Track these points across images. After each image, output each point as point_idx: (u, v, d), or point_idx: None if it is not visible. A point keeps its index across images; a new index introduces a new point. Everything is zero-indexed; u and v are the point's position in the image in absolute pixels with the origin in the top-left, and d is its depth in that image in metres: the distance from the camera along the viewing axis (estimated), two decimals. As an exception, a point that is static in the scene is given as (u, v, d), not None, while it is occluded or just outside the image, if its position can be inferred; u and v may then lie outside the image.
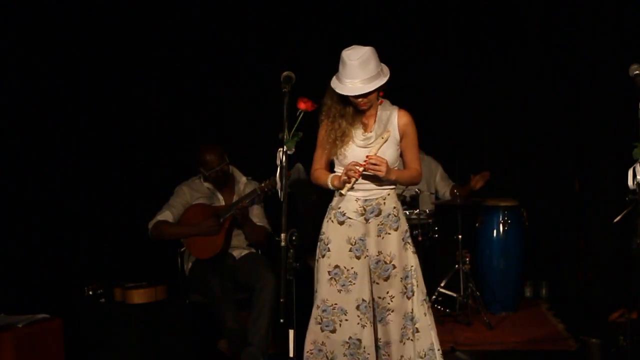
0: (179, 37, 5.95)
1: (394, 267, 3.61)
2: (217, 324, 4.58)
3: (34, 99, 5.14)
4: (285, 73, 3.36)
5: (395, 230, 3.64)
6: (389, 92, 6.62)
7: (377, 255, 3.61)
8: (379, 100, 3.65)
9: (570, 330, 5.10)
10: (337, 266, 3.60)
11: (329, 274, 3.61)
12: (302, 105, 3.46)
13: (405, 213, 5.37)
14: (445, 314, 5.46)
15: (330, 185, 3.62)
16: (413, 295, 3.64)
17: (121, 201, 5.57)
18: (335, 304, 3.58)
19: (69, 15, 5.29)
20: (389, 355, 3.63)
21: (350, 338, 3.57)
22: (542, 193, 6.19)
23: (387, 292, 3.61)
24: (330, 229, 3.65)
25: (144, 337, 4.41)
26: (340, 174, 3.57)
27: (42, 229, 5.10)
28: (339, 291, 3.58)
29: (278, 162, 3.49)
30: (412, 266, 3.66)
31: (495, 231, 5.75)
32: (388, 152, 3.58)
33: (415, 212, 5.43)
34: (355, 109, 3.59)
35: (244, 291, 4.68)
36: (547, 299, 6.18)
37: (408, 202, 5.47)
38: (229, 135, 5.93)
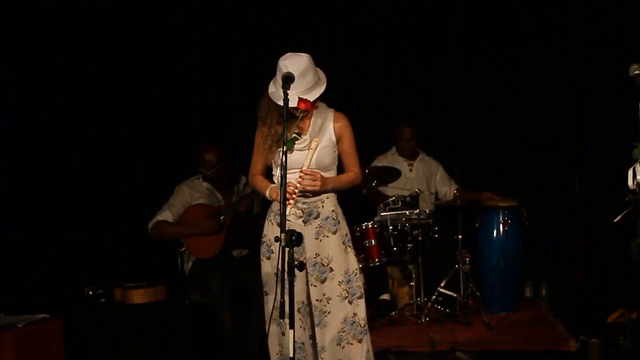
0: (179, 36, 5.95)
1: (331, 269, 3.60)
2: (217, 324, 4.58)
3: (34, 99, 5.14)
4: (285, 73, 3.36)
5: (334, 233, 3.63)
6: (389, 93, 6.65)
7: (315, 258, 3.59)
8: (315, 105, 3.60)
9: (570, 330, 5.10)
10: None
11: (276, 276, 3.55)
12: (302, 105, 3.46)
13: (405, 213, 5.41)
14: (445, 314, 5.46)
15: (267, 196, 3.62)
16: (360, 298, 3.62)
17: (121, 201, 5.57)
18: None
19: (70, 14, 5.29)
20: (323, 359, 3.58)
21: (294, 342, 3.54)
22: (542, 193, 6.19)
23: (324, 295, 3.59)
24: (271, 231, 3.64)
25: (144, 337, 4.41)
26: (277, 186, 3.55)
27: (42, 229, 5.10)
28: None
29: (278, 162, 3.49)
30: (355, 269, 3.66)
31: (495, 231, 5.75)
32: (326, 158, 3.58)
33: (415, 212, 5.43)
34: (291, 115, 3.51)
35: (244, 291, 4.68)
36: (547, 299, 6.18)
37: (408, 202, 5.48)
38: (229, 135, 5.92)
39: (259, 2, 6.15)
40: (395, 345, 4.93)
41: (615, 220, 4.26)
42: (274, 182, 3.65)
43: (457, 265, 5.44)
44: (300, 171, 3.48)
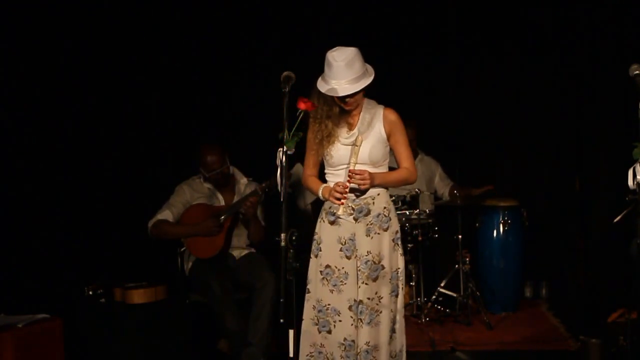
0: (180, 36, 5.95)
1: (383, 267, 3.61)
2: (217, 324, 4.58)
3: (34, 99, 5.14)
4: (285, 73, 3.36)
5: (385, 230, 3.64)
6: (390, 92, 6.64)
7: (366, 255, 3.59)
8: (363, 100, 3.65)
9: (570, 330, 5.10)
10: (328, 266, 3.60)
11: (321, 274, 3.61)
12: (302, 105, 3.46)
13: (405, 213, 5.41)
14: (445, 314, 5.46)
15: (321, 197, 3.64)
16: (397, 297, 3.66)
17: (121, 201, 5.57)
18: (329, 304, 3.57)
19: (71, 13, 5.29)
20: (375, 358, 3.57)
21: (345, 339, 3.55)
22: (542, 193, 6.19)
23: (376, 293, 3.59)
24: (322, 229, 3.66)
25: (144, 337, 4.41)
26: (330, 186, 3.58)
27: (42, 228, 5.10)
28: (331, 291, 3.58)
29: (278, 162, 3.49)
30: (398, 268, 3.68)
31: (495, 231, 5.75)
32: (374, 152, 3.60)
33: (415, 212, 5.42)
34: (341, 110, 3.59)
35: (244, 291, 4.68)
36: (547, 299, 6.18)
37: (408, 202, 5.48)
38: (229, 135, 5.93)
39: (263, 3, 6.15)
40: (395, 345, 4.93)
41: (615, 220, 4.26)
42: (326, 181, 3.68)
43: (457, 265, 5.44)
44: (349, 171, 3.49)
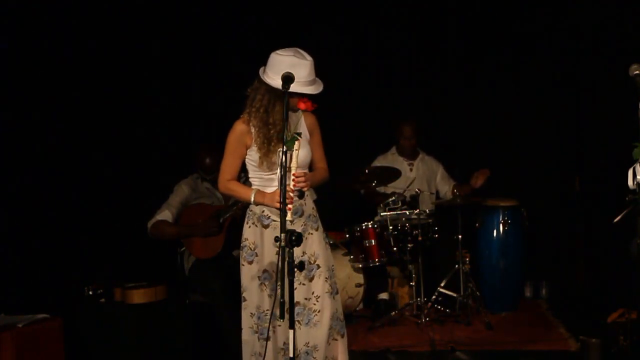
0: (180, 36, 5.96)
1: (319, 266, 3.60)
2: (217, 324, 4.58)
3: (35, 98, 5.14)
4: (285, 73, 3.35)
5: (316, 230, 3.64)
6: (390, 92, 6.64)
7: (302, 256, 3.57)
8: None
9: (570, 330, 5.10)
10: (265, 270, 3.56)
11: (259, 279, 3.56)
12: (302, 106, 3.46)
13: (405, 213, 5.41)
14: (445, 314, 5.46)
15: (253, 202, 3.55)
16: (337, 293, 3.65)
17: (121, 201, 5.57)
18: (267, 310, 3.53)
19: (71, 13, 5.29)
20: (316, 359, 3.56)
21: (284, 344, 3.53)
22: (542, 193, 6.19)
23: (313, 293, 3.58)
24: (254, 234, 3.60)
25: (144, 337, 4.41)
26: (262, 190, 3.52)
27: (42, 229, 5.10)
28: (270, 296, 3.53)
29: (278, 162, 3.49)
30: (332, 265, 3.69)
31: (495, 231, 5.75)
32: (306, 154, 3.57)
33: (415, 212, 5.42)
34: (279, 113, 3.48)
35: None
36: (547, 299, 6.17)
37: (408, 202, 5.47)
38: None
39: (263, 3, 6.15)
40: (395, 345, 4.93)
41: (615, 220, 4.26)
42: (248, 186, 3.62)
43: (457, 265, 5.43)
44: (294, 174, 3.44)
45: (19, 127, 5.04)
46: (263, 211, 3.58)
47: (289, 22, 6.19)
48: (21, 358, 3.91)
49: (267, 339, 3.52)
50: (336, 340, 3.62)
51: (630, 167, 3.44)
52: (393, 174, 5.54)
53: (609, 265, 5.71)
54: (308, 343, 3.56)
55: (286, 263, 3.11)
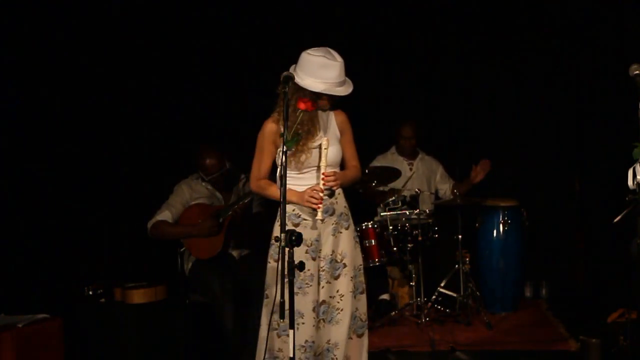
0: (180, 36, 5.96)
1: (345, 265, 3.61)
2: (217, 324, 4.58)
3: (35, 98, 5.14)
4: (285, 73, 3.36)
5: (347, 229, 3.65)
6: (390, 92, 6.65)
7: (331, 255, 3.59)
8: None
9: (570, 330, 5.10)
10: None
11: (286, 277, 3.57)
12: (302, 105, 3.46)
13: (405, 213, 5.41)
14: (445, 314, 5.46)
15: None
16: (362, 293, 3.66)
17: (121, 201, 5.57)
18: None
19: (72, 13, 5.29)
20: (336, 357, 3.58)
21: (306, 341, 3.53)
22: (542, 193, 6.19)
23: (337, 291, 3.59)
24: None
25: (144, 337, 4.41)
26: (292, 189, 3.51)
27: (42, 229, 5.10)
28: (296, 294, 3.48)
29: (278, 162, 3.49)
30: (360, 265, 3.69)
31: (495, 231, 5.75)
32: (336, 153, 3.59)
33: (415, 212, 5.42)
34: (307, 113, 3.51)
35: (244, 291, 4.68)
36: (547, 299, 6.17)
37: (408, 202, 5.47)
38: (229, 135, 5.93)
39: (262, 4, 6.15)
40: (395, 345, 4.94)
41: (615, 220, 4.26)
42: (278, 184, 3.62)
43: (457, 265, 5.43)
44: (323, 173, 3.48)
45: (19, 127, 5.04)
46: (294, 210, 3.58)
47: (288, 22, 6.18)
48: (21, 358, 3.91)
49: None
50: (351, 339, 3.62)
51: (630, 167, 3.44)
52: (393, 173, 5.55)
53: (609, 265, 5.71)
54: (329, 340, 3.58)
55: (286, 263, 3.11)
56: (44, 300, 4.72)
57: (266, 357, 3.53)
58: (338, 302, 3.59)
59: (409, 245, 5.38)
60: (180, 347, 4.53)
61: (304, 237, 3.49)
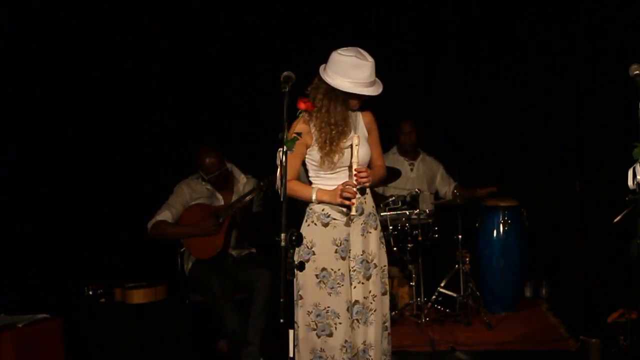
0: (180, 36, 5.95)
1: (375, 266, 3.62)
2: (217, 324, 4.58)
3: (35, 98, 5.14)
4: (285, 73, 3.35)
5: (375, 229, 3.66)
6: (390, 92, 6.65)
7: (362, 255, 3.59)
8: None
9: (570, 330, 5.10)
10: (324, 269, 3.55)
11: (317, 277, 3.55)
12: (302, 105, 3.46)
13: (405, 213, 5.41)
14: (445, 314, 5.46)
15: (314, 200, 3.54)
16: (386, 294, 3.67)
17: (121, 201, 5.57)
18: (328, 307, 3.52)
19: (72, 12, 5.29)
20: (371, 357, 3.58)
21: (345, 342, 3.53)
22: (542, 193, 6.19)
23: (370, 292, 3.59)
24: (312, 232, 3.58)
25: (144, 337, 4.41)
26: (324, 188, 3.52)
27: (42, 229, 5.10)
28: (329, 294, 3.52)
29: (278, 162, 3.49)
30: (384, 265, 3.70)
31: (495, 231, 5.75)
32: (366, 151, 3.60)
33: (415, 212, 5.42)
34: (340, 114, 3.52)
35: (244, 291, 4.68)
36: (547, 299, 6.18)
37: (408, 202, 5.47)
38: (229, 135, 5.93)
39: (263, 3, 6.14)
40: (395, 345, 4.92)
41: (615, 220, 4.26)
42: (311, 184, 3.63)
43: (457, 265, 5.43)
44: (356, 170, 3.48)
45: (18, 127, 5.04)
46: (323, 209, 3.57)
47: (287, 22, 6.18)
48: (21, 358, 3.91)
49: (330, 334, 3.51)
50: (385, 337, 3.65)
51: (630, 167, 3.44)
52: (393, 174, 5.54)
53: (609, 265, 5.71)
54: (365, 341, 3.58)
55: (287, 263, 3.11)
56: (44, 300, 4.72)
57: (311, 358, 3.52)
58: (371, 303, 3.59)
59: (409, 245, 5.38)
60: (180, 347, 4.53)
61: (333, 236, 3.55)
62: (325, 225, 3.58)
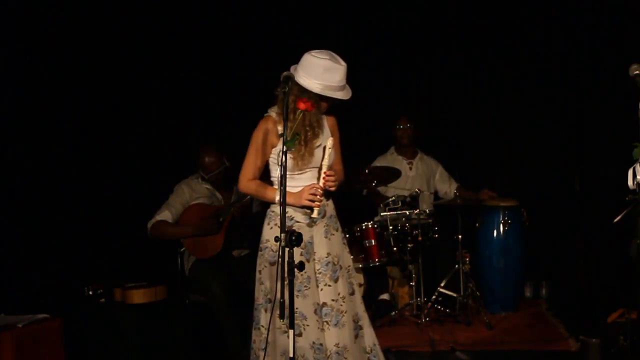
0: (180, 36, 5.96)
1: (341, 267, 3.62)
2: (217, 324, 4.58)
3: (35, 99, 5.14)
4: (285, 73, 3.35)
5: (337, 230, 3.65)
6: (390, 92, 6.64)
7: (327, 257, 3.59)
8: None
9: (570, 330, 5.10)
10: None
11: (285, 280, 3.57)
12: (302, 105, 3.46)
13: (405, 213, 5.41)
14: (445, 314, 5.46)
15: (277, 202, 3.51)
16: (354, 294, 3.66)
17: (121, 201, 5.58)
18: (296, 309, 3.49)
19: (72, 14, 5.29)
20: (347, 359, 3.57)
21: (314, 342, 3.52)
22: (542, 193, 6.19)
23: (339, 294, 3.59)
24: (276, 234, 3.51)
25: (144, 337, 4.41)
26: (290, 191, 3.46)
27: (42, 229, 5.10)
28: (296, 296, 3.49)
29: (277, 162, 3.49)
30: (349, 266, 3.70)
31: (495, 231, 5.75)
32: (332, 156, 3.59)
33: (415, 212, 5.42)
34: (314, 115, 3.50)
35: (244, 291, 4.68)
36: (547, 299, 6.18)
37: (408, 202, 5.47)
38: (229, 135, 5.92)
39: (261, 3, 6.15)
40: (395, 345, 4.93)
41: (615, 220, 4.26)
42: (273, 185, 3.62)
43: (457, 265, 5.43)
44: (325, 173, 3.47)
45: (18, 127, 5.04)
46: (287, 212, 3.54)
47: (286, 22, 6.19)
48: (21, 358, 3.91)
49: (299, 335, 3.51)
50: (359, 337, 3.65)
51: (630, 167, 3.44)
52: (393, 173, 5.54)
53: (609, 265, 5.71)
54: (338, 344, 3.56)
55: (286, 263, 3.11)
56: (44, 300, 4.72)
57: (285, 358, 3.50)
58: (341, 305, 3.59)
59: (409, 245, 5.38)
60: (180, 347, 4.53)
61: None
62: (289, 227, 3.55)
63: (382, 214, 5.47)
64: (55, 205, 5.22)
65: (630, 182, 3.45)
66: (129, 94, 5.70)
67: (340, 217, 5.91)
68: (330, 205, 3.67)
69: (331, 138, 3.54)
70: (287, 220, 3.54)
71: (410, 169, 5.94)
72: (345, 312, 3.58)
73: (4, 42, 4.95)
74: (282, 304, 3.12)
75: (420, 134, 5.97)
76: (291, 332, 3.15)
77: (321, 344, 3.53)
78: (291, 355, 3.15)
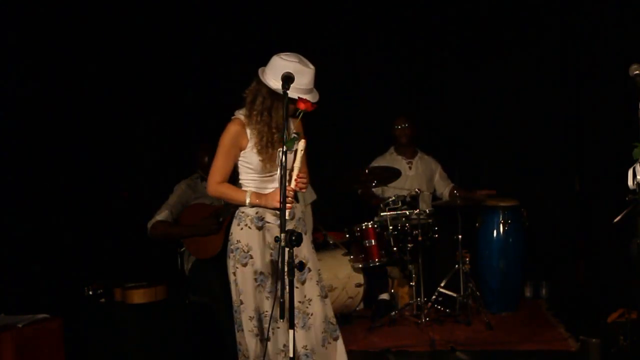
0: (179, 36, 5.96)
1: (310, 270, 3.59)
2: (217, 324, 4.58)
3: (35, 99, 5.14)
4: (285, 73, 3.35)
5: (305, 233, 3.59)
6: (390, 92, 6.63)
7: (295, 259, 3.57)
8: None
9: (570, 330, 5.10)
10: (261, 272, 3.53)
11: (256, 281, 3.53)
12: (302, 105, 3.45)
13: (405, 213, 5.41)
14: (445, 314, 5.46)
15: (248, 204, 3.50)
16: (326, 297, 3.64)
17: (121, 201, 5.57)
18: (267, 312, 3.50)
19: (72, 15, 5.29)
20: None
21: (284, 346, 3.51)
22: (542, 193, 6.19)
23: (305, 296, 3.57)
24: (247, 236, 3.55)
25: (144, 337, 4.41)
26: (254, 191, 3.48)
27: (42, 229, 5.10)
28: (267, 298, 3.51)
29: (278, 162, 3.49)
30: (319, 269, 3.67)
31: (495, 231, 5.75)
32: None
33: (415, 212, 5.42)
34: (282, 117, 3.43)
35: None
36: (547, 299, 6.18)
37: (408, 202, 5.47)
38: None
39: (261, 3, 6.15)
40: (395, 345, 4.93)
41: (615, 220, 4.26)
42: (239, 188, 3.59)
43: (457, 265, 5.43)
44: (297, 175, 3.41)
45: (18, 127, 5.04)
46: (257, 212, 3.55)
47: (284, 22, 6.18)
48: (21, 358, 3.90)
49: (268, 339, 3.50)
50: (330, 343, 3.61)
51: (630, 167, 3.44)
52: (393, 173, 5.55)
53: (609, 265, 5.71)
54: (306, 346, 3.54)
55: (286, 263, 3.11)
56: (44, 300, 4.72)
57: None
58: (307, 307, 3.56)
59: (409, 245, 5.38)
60: (180, 347, 4.53)
61: (267, 240, 3.51)
62: (259, 228, 3.55)
63: (382, 214, 5.47)
64: (55, 205, 5.21)
65: (630, 182, 3.45)
66: (129, 94, 5.70)
67: (341, 217, 5.96)
68: (298, 208, 3.64)
69: (303, 140, 3.44)
70: (257, 222, 3.55)
71: (410, 168, 5.94)
72: (312, 315, 3.55)
73: (4, 42, 4.95)
74: (281, 304, 3.11)
75: (419, 134, 5.97)
76: (291, 332, 3.15)
77: (285, 346, 3.50)
78: (291, 355, 3.15)
